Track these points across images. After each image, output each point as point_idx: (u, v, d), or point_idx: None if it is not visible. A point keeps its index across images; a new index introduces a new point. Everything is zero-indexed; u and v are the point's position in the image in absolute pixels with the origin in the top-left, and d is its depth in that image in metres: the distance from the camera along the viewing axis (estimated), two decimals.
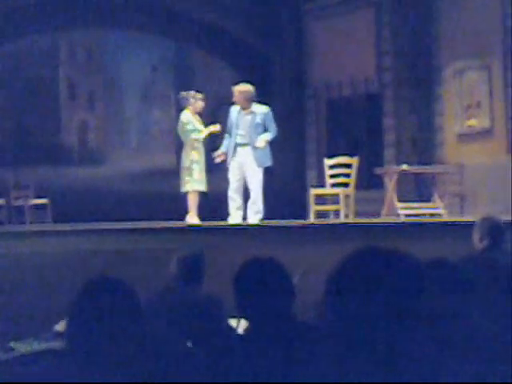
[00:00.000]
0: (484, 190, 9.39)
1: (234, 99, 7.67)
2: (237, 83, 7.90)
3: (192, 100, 8.16)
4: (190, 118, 8.16)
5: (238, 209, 7.66)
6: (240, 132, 7.60)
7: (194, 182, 7.98)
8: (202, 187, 7.99)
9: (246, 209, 7.68)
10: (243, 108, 7.62)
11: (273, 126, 7.67)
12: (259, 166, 7.56)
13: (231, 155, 7.64)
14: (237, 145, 7.61)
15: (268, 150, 7.66)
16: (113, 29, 11.46)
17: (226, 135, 7.77)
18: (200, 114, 8.23)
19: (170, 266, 3.93)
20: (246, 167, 7.59)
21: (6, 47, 10.99)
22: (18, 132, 11.27)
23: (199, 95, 8.21)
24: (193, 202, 7.98)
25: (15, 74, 11.17)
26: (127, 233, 6.68)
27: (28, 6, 10.73)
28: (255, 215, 7.58)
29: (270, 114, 7.71)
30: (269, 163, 7.66)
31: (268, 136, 7.60)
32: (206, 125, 8.24)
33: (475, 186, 9.48)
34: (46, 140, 11.47)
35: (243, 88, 7.67)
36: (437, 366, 1.61)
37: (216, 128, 8.00)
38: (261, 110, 7.66)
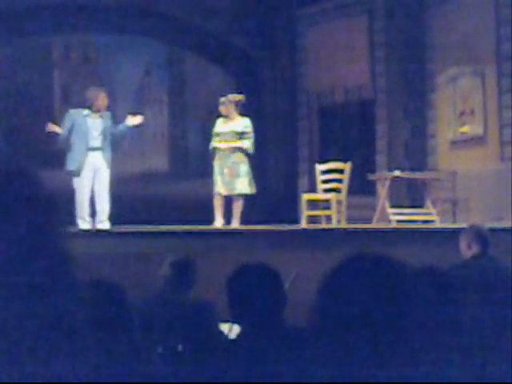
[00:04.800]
0: (477, 196, 9.41)
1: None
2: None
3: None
4: None
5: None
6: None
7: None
8: (218, 190, 7.93)
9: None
10: None
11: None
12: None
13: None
14: None
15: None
16: (106, 32, 11.45)
17: None
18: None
19: (161, 270, 3.92)
20: None
21: (2, 50, 10.97)
22: (11, 134, 11.24)
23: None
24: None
25: (9, 77, 11.14)
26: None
27: (22, 9, 10.72)
28: None
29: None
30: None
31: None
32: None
33: (468, 192, 9.50)
34: (39, 143, 11.44)
35: None
36: (429, 370, 1.61)
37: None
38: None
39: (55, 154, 11.56)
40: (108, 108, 7.78)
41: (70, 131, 7.61)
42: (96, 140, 7.60)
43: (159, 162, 11.78)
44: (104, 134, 7.61)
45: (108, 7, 11.07)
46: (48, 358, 0.54)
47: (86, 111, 7.65)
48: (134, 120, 7.83)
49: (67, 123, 7.67)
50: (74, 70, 11.77)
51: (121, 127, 7.78)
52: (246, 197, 7.83)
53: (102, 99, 7.67)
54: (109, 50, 11.59)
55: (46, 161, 11.25)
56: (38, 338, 0.55)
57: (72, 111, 7.80)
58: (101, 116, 7.66)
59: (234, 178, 7.73)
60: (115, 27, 11.30)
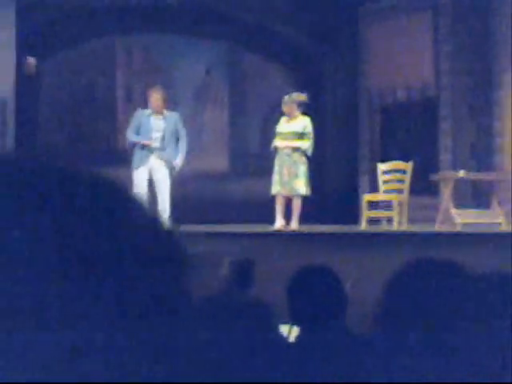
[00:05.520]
0: None
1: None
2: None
3: None
4: None
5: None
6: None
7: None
8: (275, 190, 7.88)
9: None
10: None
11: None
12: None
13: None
14: None
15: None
16: (168, 32, 11.56)
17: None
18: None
19: (222, 270, 3.92)
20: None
21: (65, 52, 11.18)
22: (75, 135, 11.44)
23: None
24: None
25: (73, 78, 11.35)
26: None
27: (86, 11, 10.90)
28: None
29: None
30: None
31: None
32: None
33: None
34: (102, 143, 11.62)
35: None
36: (497, 377, 1.56)
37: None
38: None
39: (119, 153, 11.74)
40: (164, 108, 7.74)
41: (136, 131, 7.69)
42: (156, 141, 7.60)
43: (219, 161, 11.83)
44: (165, 134, 7.58)
45: (169, 8, 11.17)
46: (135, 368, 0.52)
47: (148, 111, 7.73)
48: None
49: (133, 123, 7.76)
50: (136, 71, 11.92)
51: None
52: (305, 197, 7.80)
53: (153, 99, 7.66)
54: (170, 50, 11.69)
55: (110, 160, 11.43)
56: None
57: (139, 111, 7.88)
58: (163, 117, 7.65)
59: (292, 178, 7.71)
60: (176, 28, 11.39)
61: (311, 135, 7.79)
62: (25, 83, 10.26)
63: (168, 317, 0.53)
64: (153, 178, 7.53)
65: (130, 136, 7.74)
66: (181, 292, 0.54)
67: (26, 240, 0.51)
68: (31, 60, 10.33)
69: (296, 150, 7.75)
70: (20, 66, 10.26)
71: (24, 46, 10.20)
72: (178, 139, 7.70)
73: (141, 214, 0.56)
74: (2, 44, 9.97)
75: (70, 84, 11.30)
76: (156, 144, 7.59)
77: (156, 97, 7.69)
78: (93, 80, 11.52)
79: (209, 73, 11.99)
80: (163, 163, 7.55)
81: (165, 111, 7.72)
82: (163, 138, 7.59)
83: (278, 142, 7.83)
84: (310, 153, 7.79)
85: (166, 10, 11.15)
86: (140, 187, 7.47)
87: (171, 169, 7.63)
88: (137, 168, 7.54)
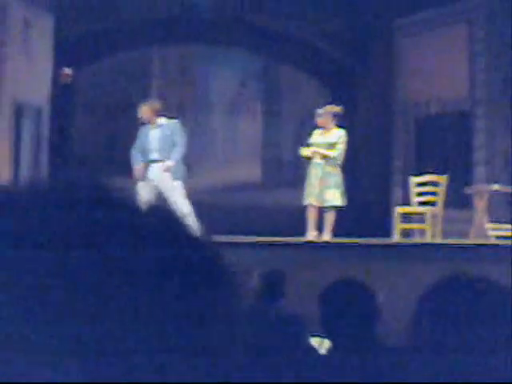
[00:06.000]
0: None
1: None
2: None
3: None
4: None
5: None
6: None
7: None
8: (308, 200, 7.83)
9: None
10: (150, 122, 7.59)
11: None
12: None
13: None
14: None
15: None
16: (203, 44, 11.64)
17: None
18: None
19: (251, 282, 3.92)
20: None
21: (104, 62, 11.31)
22: (111, 144, 11.55)
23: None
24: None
25: (110, 87, 11.47)
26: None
27: (123, 23, 11.03)
28: None
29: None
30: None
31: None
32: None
33: None
34: None
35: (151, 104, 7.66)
36: None
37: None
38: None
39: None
40: (155, 118, 7.57)
41: (137, 146, 7.63)
42: (154, 152, 7.49)
43: (253, 171, 11.85)
44: (161, 144, 7.45)
45: (205, 19, 11.25)
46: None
47: (149, 125, 7.59)
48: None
49: (139, 136, 7.73)
50: (171, 82, 12.01)
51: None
52: (338, 209, 7.77)
53: (142, 112, 7.60)
54: (205, 61, 11.77)
55: None
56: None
57: (142, 127, 7.81)
58: (158, 126, 7.53)
59: (324, 189, 7.68)
60: (212, 39, 11.47)
61: (342, 146, 7.76)
62: (60, 93, 10.39)
63: (211, 328, 0.54)
64: (160, 189, 7.41)
65: (132, 154, 7.72)
66: (222, 302, 0.55)
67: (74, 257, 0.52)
68: (67, 70, 10.46)
69: (329, 160, 7.73)
70: (56, 76, 10.39)
71: (61, 57, 10.33)
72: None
73: (175, 227, 0.57)
74: (39, 54, 10.12)
75: (105, 94, 11.42)
76: (154, 155, 7.49)
77: (144, 109, 7.61)
78: (128, 90, 11.63)
79: (244, 84, 12.03)
80: (167, 175, 7.38)
81: (159, 120, 7.58)
82: (159, 148, 7.46)
83: (305, 150, 7.80)
84: (339, 161, 7.75)
85: (202, 22, 11.24)
86: (144, 199, 7.36)
87: (180, 178, 7.46)
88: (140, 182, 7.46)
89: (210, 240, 0.58)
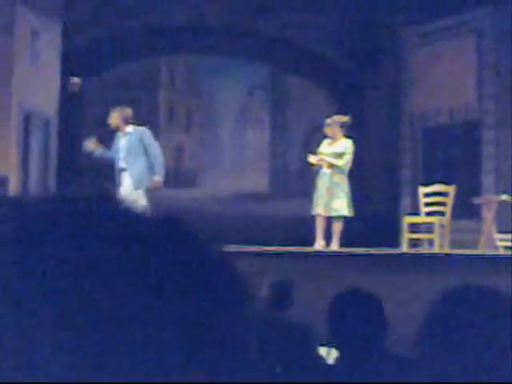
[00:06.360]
0: None
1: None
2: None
3: None
4: None
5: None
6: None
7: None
8: (316, 210, 7.79)
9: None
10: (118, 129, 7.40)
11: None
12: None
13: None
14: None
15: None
16: (211, 53, 11.67)
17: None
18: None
19: (261, 291, 3.91)
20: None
21: (112, 72, 11.35)
22: None
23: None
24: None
25: (118, 96, 11.51)
26: None
27: (131, 33, 11.07)
28: None
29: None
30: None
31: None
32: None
33: None
34: None
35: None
36: None
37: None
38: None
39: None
40: (124, 125, 7.37)
41: (112, 154, 7.44)
42: (122, 161, 7.33)
43: (260, 181, 11.85)
44: (127, 153, 7.28)
45: (213, 30, 11.28)
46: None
47: (121, 132, 7.41)
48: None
49: (113, 144, 7.53)
50: (179, 91, 12.04)
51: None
52: (345, 219, 7.75)
53: (111, 119, 7.43)
54: (213, 71, 11.79)
55: None
56: None
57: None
58: (126, 134, 7.34)
59: (332, 198, 7.67)
60: (220, 49, 11.50)
61: (349, 156, 7.76)
62: (68, 102, 10.42)
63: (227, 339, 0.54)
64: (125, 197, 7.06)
65: (102, 155, 7.55)
66: (234, 310, 0.55)
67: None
68: (75, 79, 10.49)
69: (336, 170, 7.73)
70: (64, 86, 10.42)
71: (69, 66, 10.37)
72: (147, 155, 7.27)
73: (188, 236, 0.57)
74: (47, 63, 10.16)
75: (114, 103, 11.46)
76: (122, 164, 7.32)
77: (113, 116, 7.44)
78: (136, 100, 11.66)
79: (251, 94, 12.05)
80: (132, 185, 7.17)
81: (128, 128, 7.39)
82: (125, 157, 7.29)
83: (312, 158, 7.80)
84: (345, 169, 7.74)
85: (210, 32, 11.27)
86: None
87: (142, 188, 7.18)
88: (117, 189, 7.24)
89: (223, 249, 0.58)
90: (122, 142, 7.39)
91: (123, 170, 7.34)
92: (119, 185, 7.32)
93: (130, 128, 7.43)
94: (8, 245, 0.52)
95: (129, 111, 7.50)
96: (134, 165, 7.26)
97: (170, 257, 0.53)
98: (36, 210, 0.54)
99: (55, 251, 0.52)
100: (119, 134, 7.47)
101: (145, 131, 7.45)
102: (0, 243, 0.53)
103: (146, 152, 7.32)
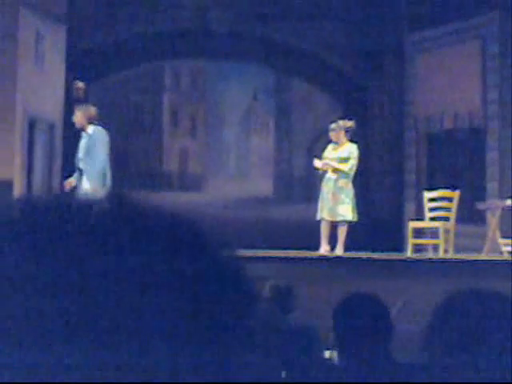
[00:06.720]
0: None
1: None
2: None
3: None
4: None
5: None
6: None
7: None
8: (320, 215, 7.76)
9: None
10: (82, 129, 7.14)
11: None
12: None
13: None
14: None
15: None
16: (215, 58, 11.68)
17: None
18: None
19: (262, 293, 3.91)
20: None
21: (115, 75, 11.37)
22: (122, 159, 11.58)
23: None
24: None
25: (122, 100, 11.52)
26: None
27: (136, 37, 11.09)
28: None
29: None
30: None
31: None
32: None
33: None
34: (148, 165, 11.75)
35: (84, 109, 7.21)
36: None
37: None
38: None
39: (164, 176, 11.85)
40: (87, 124, 7.15)
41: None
42: (80, 161, 7.14)
43: (264, 186, 11.85)
44: (84, 154, 7.07)
45: (218, 34, 11.29)
46: None
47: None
48: None
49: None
50: (183, 95, 12.06)
51: None
52: (350, 223, 7.75)
53: (75, 117, 7.23)
54: (217, 75, 11.80)
55: (156, 183, 11.55)
56: None
57: None
58: (87, 134, 7.14)
59: (337, 203, 7.67)
60: (224, 53, 11.51)
61: (354, 161, 7.76)
62: (73, 107, 10.44)
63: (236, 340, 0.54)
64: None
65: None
66: (245, 316, 0.55)
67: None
68: (80, 84, 10.50)
69: (341, 175, 7.73)
70: (69, 89, 10.43)
71: (73, 70, 10.39)
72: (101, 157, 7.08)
73: (202, 238, 0.57)
74: (52, 67, 10.18)
75: (118, 108, 11.47)
76: (80, 164, 7.14)
77: (77, 114, 7.24)
78: (140, 104, 11.68)
79: (256, 98, 12.06)
80: (90, 187, 6.97)
81: (89, 128, 7.18)
82: (82, 158, 7.12)
83: (317, 162, 7.80)
84: (350, 174, 7.74)
85: (215, 36, 11.28)
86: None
87: (99, 189, 6.95)
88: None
89: (235, 253, 0.59)
90: (82, 142, 7.21)
91: (80, 170, 7.15)
92: (78, 186, 7.11)
93: (91, 128, 7.22)
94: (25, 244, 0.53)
95: (93, 110, 7.28)
96: (90, 166, 7.06)
97: (183, 259, 0.54)
98: (56, 213, 0.55)
99: (74, 253, 0.52)
100: (83, 133, 7.28)
101: (99, 134, 7.21)
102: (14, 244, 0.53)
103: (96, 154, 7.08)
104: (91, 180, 7.03)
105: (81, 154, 7.16)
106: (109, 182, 7.14)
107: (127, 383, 0.50)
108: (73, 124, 10.49)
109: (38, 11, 9.72)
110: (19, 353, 0.51)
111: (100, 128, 7.26)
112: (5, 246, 0.53)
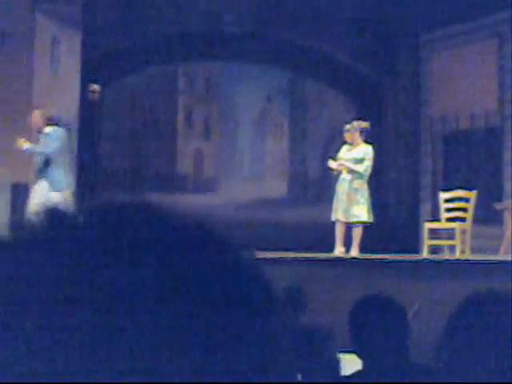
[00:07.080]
0: None
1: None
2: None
3: None
4: None
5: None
6: None
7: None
8: (335, 216, 7.73)
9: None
10: None
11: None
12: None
13: None
14: None
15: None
16: (230, 59, 11.69)
17: None
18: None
19: (279, 295, 3.90)
20: None
21: (130, 78, 11.40)
22: (137, 161, 11.61)
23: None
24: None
25: (136, 102, 11.55)
26: None
27: (150, 39, 11.12)
28: None
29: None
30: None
31: None
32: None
33: None
34: (163, 167, 11.77)
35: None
36: None
37: None
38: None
39: (178, 179, 11.87)
40: (42, 126, 7.07)
41: None
42: (40, 162, 7.10)
43: (279, 187, 11.84)
44: (42, 158, 7.01)
45: (232, 36, 11.30)
46: None
47: None
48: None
49: None
50: (197, 97, 12.07)
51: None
52: (365, 224, 7.72)
53: (33, 118, 7.15)
54: (232, 77, 11.81)
55: (170, 185, 11.57)
56: None
57: None
58: (44, 135, 7.09)
59: (352, 204, 7.65)
60: (238, 55, 11.51)
61: (369, 162, 7.73)
62: (88, 109, 10.48)
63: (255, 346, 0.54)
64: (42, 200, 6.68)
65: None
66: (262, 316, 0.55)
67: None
68: (95, 86, 10.54)
69: (356, 176, 7.71)
70: (84, 92, 10.48)
71: (88, 73, 10.43)
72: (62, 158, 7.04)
73: (220, 242, 0.57)
74: (67, 70, 10.22)
75: (133, 110, 11.50)
76: (40, 165, 7.10)
77: (34, 115, 7.18)
78: (155, 106, 11.70)
79: (270, 99, 12.05)
80: (50, 184, 6.91)
81: (46, 129, 7.12)
82: (41, 158, 7.07)
83: (332, 163, 7.78)
84: (365, 175, 7.71)
85: (228, 38, 11.29)
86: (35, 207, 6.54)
87: (61, 190, 6.90)
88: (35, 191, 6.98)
89: (254, 255, 0.58)
90: (40, 143, 7.15)
91: (39, 171, 7.12)
92: (36, 187, 7.05)
93: (47, 129, 7.16)
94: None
95: (49, 112, 7.23)
96: (49, 166, 7.00)
97: (201, 262, 0.53)
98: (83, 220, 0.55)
99: (91, 259, 0.52)
100: (39, 135, 7.22)
101: (55, 131, 7.14)
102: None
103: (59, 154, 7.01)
104: (50, 179, 6.98)
105: (39, 157, 7.11)
106: (67, 185, 7.10)
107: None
108: (88, 127, 10.53)
109: (53, 16, 9.77)
110: (26, 363, 0.50)
111: (56, 128, 7.19)
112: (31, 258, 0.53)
